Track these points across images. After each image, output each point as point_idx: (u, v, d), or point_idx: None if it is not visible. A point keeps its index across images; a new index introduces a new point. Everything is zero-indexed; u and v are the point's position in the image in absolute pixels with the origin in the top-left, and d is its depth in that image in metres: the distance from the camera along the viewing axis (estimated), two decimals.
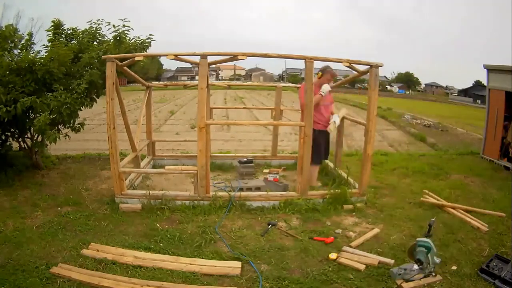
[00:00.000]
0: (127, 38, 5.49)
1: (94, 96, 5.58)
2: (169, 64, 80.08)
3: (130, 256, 3.27)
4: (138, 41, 5.57)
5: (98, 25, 5.74)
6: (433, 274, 3.05)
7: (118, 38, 5.40)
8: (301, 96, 5.00)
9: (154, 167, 6.36)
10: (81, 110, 5.35)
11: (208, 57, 4.25)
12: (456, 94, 61.95)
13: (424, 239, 3.04)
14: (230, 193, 4.62)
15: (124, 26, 5.41)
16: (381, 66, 4.55)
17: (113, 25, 5.45)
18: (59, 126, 5.36)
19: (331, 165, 6.12)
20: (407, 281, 2.94)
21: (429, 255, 2.96)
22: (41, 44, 5.51)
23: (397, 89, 65.17)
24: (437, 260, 3.01)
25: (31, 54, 5.17)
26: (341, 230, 3.98)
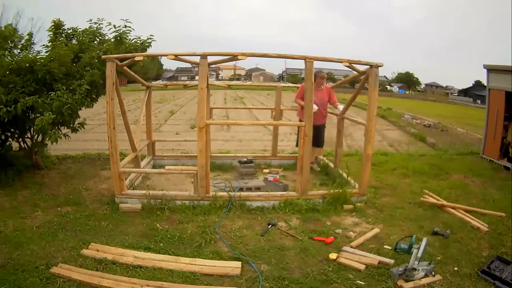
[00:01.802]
0: (128, 39, 5.49)
1: (94, 96, 5.57)
2: (169, 64, 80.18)
3: (130, 256, 3.27)
4: (138, 41, 5.57)
5: (99, 24, 5.74)
6: (433, 274, 3.06)
7: (118, 38, 5.40)
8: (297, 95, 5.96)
9: (154, 167, 6.36)
10: (81, 110, 5.35)
11: (208, 57, 4.25)
12: (456, 94, 61.97)
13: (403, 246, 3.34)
14: (230, 193, 4.62)
15: (125, 26, 5.41)
16: (381, 66, 4.55)
17: (114, 25, 5.46)
18: (60, 126, 5.36)
19: (331, 165, 6.12)
20: (407, 281, 2.95)
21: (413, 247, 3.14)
22: (41, 44, 5.52)
23: (397, 89, 65.20)
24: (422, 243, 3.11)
25: (32, 54, 5.18)
26: (341, 230, 3.98)
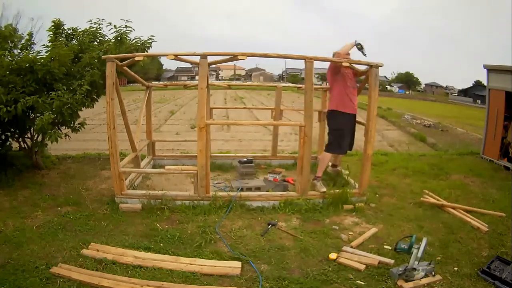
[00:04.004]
0: (128, 39, 5.49)
1: (95, 96, 5.58)
2: (169, 64, 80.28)
3: (130, 256, 3.27)
4: (139, 42, 5.57)
5: (99, 25, 5.74)
6: (433, 274, 3.06)
7: (119, 38, 5.40)
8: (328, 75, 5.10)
9: (154, 167, 6.36)
10: (81, 110, 5.35)
11: (208, 57, 4.25)
12: (456, 94, 62.01)
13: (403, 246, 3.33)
14: (230, 193, 4.62)
15: (126, 26, 5.40)
16: (381, 66, 4.55)
17: (114, 26, 5.45)
18: (60, 126, 5.36)
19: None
20: (407, 281, 2.95)
21: (413, 247, 3.13)
22: (41, 44, 5.52)
23: (397, 89, 65.23)
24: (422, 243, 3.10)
25: (32, 54, 5.18)
26: (337, 227, 4.03)
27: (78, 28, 5.82)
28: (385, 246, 3.59)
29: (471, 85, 57.89)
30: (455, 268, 3.21)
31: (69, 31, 5.79)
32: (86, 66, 5.32)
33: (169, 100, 24.69)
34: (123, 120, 5.24)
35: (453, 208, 4.61)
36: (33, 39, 5.84)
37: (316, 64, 4.51)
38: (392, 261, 3.26)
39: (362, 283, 2.99)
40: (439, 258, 3.38)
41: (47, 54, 5.13)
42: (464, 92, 59.46)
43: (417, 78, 72.00)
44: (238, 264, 3.19)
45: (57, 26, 5.68)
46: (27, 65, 4.84)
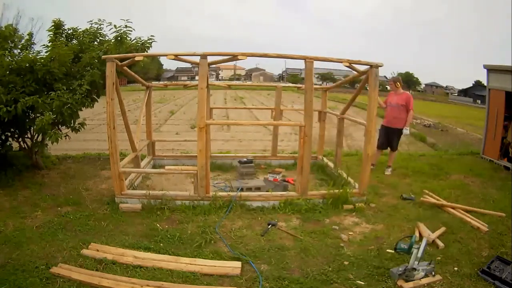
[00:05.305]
0: (128, 39, 5.49)
1: (95, 96, 5.57)
2: (169, 64, 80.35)
3: (130, 256, 3.27)
4: (139, 42, 5.57)
5: (100, 25, 5.73)
6: (433, 274, 3.06)
7: (119, 38, 5.40)
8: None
9: (154, 167, 6.36)
10: (81, 110, 5.35)
11: (208, 57, 4.25)
12: (456, 94, 62.05)
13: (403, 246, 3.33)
14: (230, 193, 4.62)
15: (126, 26, 5.40)
16: (381, 66, 4.55)
17: (115, 26, 5.45)
18: (60, 126, 5.36)
19: (331, 165, 6.12)
20: (407, 281, 2.95)
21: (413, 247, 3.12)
22: (41, 44, 5.52)
23: None
24: (423, 244, 3.09)
25: (32, 54, 5.17)
26: (337, 227, 4.03)
27: (78, 28, 5.82)
28: (387, 250, 3.56)
29: (471, 85, 57.93)
30: (455, 268, 3.21)
31: (69, 31, 5.79)
32: (86, 66, 5.32)
33: (169, 100, 24.67)
34: (123, 120, 5.24)
35: (453, 208, 4.62)
36: (33, 39, 5.84)
37: (316, 64, 4.51)
38: None
39: (362, 283, 2.99)
40: (439, 258, 3.38)
41: (47, 54, 5.13)
42: (464, 92, 59.50)
43: (417, 78, 71.95)
44: (238, 264, 3.20)
45: (58, 26, 5.68)
46: (27, 65, 4.85)
